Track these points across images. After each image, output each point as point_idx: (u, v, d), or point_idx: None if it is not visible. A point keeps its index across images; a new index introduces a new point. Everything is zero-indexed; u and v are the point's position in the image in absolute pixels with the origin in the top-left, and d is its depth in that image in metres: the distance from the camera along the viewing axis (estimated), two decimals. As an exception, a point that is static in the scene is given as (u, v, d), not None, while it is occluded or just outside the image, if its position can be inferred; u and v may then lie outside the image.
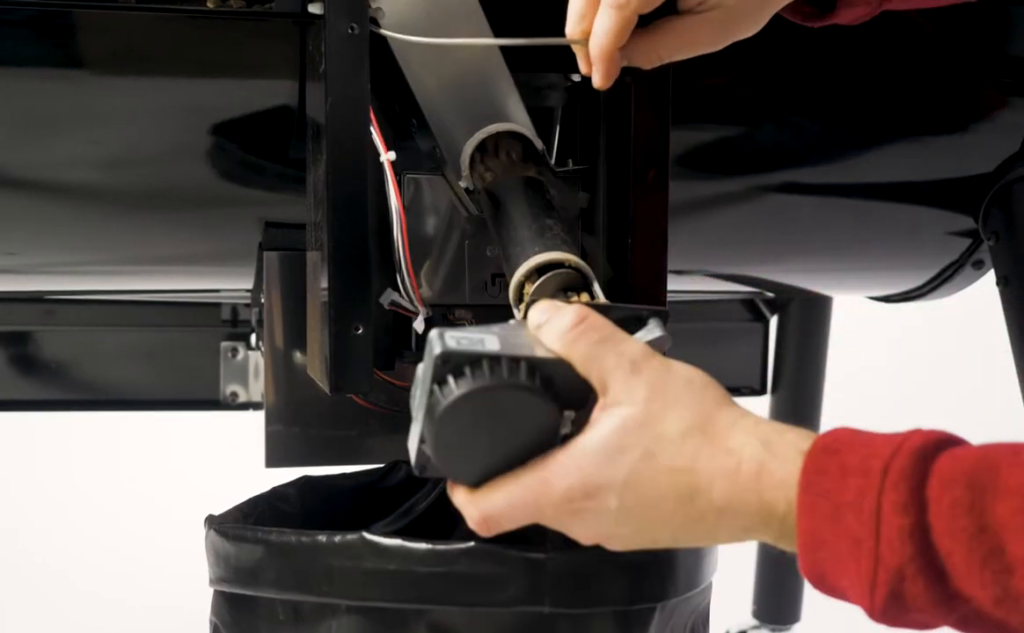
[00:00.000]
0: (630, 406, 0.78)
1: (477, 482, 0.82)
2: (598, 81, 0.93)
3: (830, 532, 0.73)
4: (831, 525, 0.73)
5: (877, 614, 0.73)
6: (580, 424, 0.80)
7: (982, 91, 1.31)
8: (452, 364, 0.79)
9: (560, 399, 0.80)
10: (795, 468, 0.75)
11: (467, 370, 0.79)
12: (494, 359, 0.79)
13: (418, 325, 1.04)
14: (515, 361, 0.79)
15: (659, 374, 0.80)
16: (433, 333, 0.80)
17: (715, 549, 1.03)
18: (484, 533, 0.82)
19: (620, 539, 0.80)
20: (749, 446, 0.76)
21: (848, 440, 0.74)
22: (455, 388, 0.79)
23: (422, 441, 0.81)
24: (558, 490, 0.79)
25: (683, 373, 0.80)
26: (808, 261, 1.47)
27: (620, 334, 0.82)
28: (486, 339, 0.80)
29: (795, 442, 0.76)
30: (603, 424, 0.79)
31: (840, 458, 0.74)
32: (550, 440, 0.80)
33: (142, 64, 1.09)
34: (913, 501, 0.70)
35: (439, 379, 0.79)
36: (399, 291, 1.04)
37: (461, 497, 0.82)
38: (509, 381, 0.79)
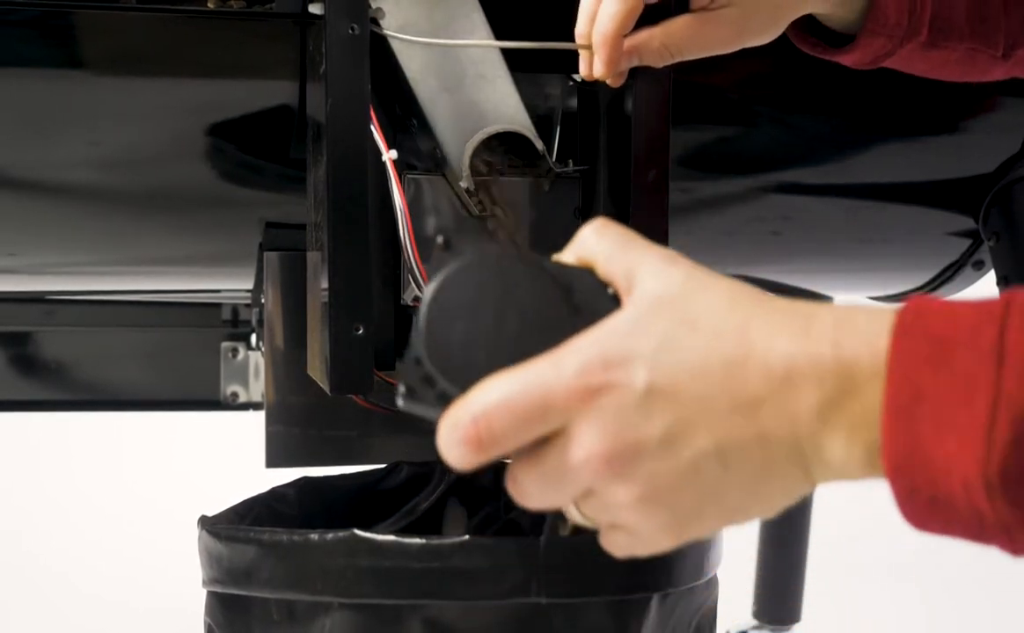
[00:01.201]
0: (665, 289, 0.63)
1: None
2: (600, 69, 0.92)
3: (932, 380, 0.56)
4: (934, 370, 0.56)
5: (995, 473, 0.55)
6: None
7: (982, 91, 1.31)
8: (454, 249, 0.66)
9: (580, 309, 0.65)
10: (883, 323, 0.58)
11: (469, 247, 0.66)
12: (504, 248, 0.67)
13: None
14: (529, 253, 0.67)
15: (695, 266, 0.65)
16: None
17: (718, 543, 1.02)
18: (473, 454, 0.64)
19: (648, 444, 0.61)
20: (817, 308, 0.60)
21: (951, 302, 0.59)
22: (457, 260, 0.65)
23: (412, 351, 0.66)
24: (570, 366, 0.61)
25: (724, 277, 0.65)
26: (808, 261, 1.46)
27: (645, 240, 0.67)
28: None
29: (880, 311, 0.60)
30: (631, 304, 0.63)
31: (944, 303, 0.58)
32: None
33: (142, 64, 1.09)
34: None
35: (437, 263, 0.66)
36: (407, 289, 1.04)
37: (450, 412, 0.65)
38: (520, 253, 0.66)
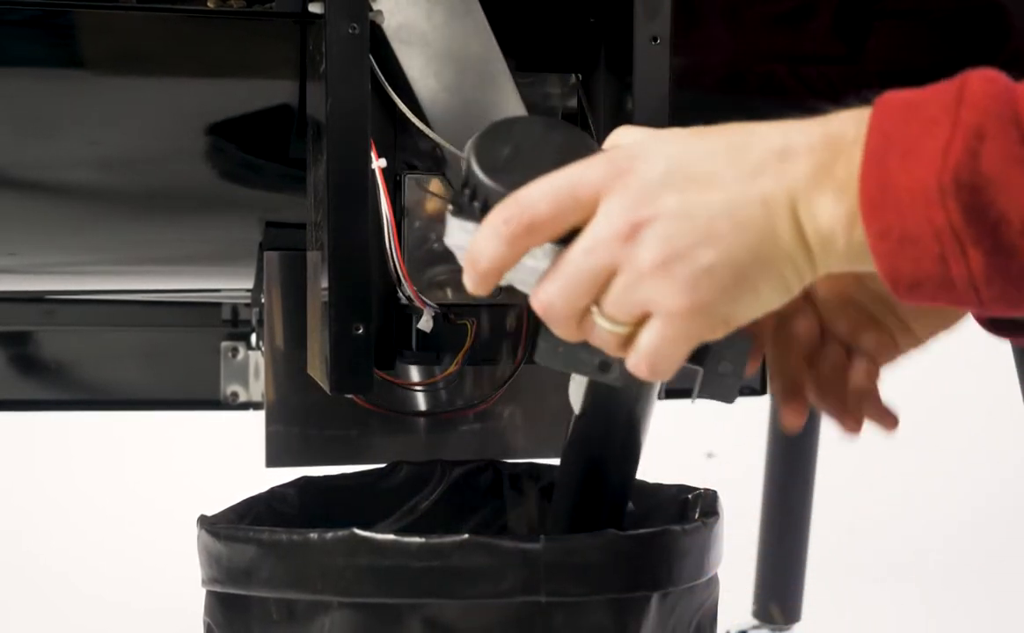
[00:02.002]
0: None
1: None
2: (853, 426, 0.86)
3: (902, 128, 0.65)
4: (905, 121, 0.66)
5: (948, 179, 0.64)
6: None
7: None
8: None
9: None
10: (865, 111, 0.68)
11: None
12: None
13: (424, 324, 1.04)
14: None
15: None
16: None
17: (718, 542, 1.02)
18: (515, 237, 0.72)
19: (667, 212, 0.70)
20: (806, 123, 0.70)
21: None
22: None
23: (463, 175, 0.76)
24: (600, 159, 0.72)
25: None
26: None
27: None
28: None
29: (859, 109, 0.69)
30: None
31: (922, 89, 0.68)
32: None
33: (142, 64, 1.09)
34: (999, 82, 0.65)
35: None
36: (399, 293, 1.05)
37: (497, 205, 0.74)
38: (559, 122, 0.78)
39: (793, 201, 0.68)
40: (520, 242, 0.72)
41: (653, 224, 0.70)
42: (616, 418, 0.94)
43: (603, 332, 0.73)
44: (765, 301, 0.71)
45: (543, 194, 0.72)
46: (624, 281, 0.71)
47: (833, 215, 0.67)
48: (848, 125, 0.67)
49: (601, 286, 0.72)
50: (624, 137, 0.77)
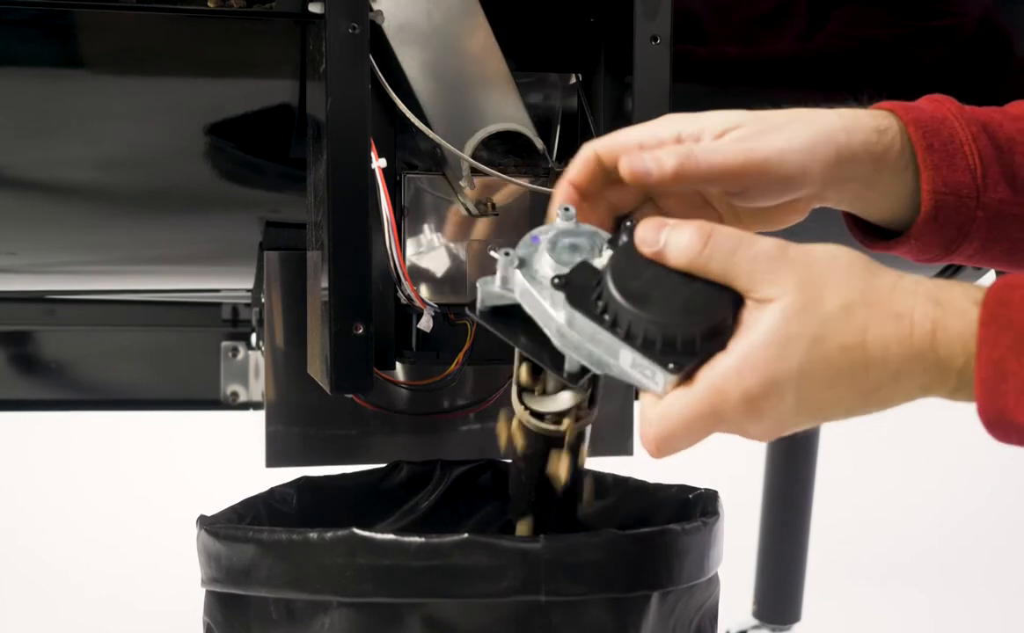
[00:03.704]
0: (784, 297, 0.77)
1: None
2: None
3: (1015, 362, 0.72)
4: (1016, 355, 0.72)
5: None
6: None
7: (982, 92, 1.31)
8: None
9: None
10: (972, 317, 0.74)
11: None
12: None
13: (424, 325, 1.04)
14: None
15: (803, 260, 0.78)
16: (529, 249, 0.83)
17: (718, 542, 1.03)
18: (658, 455, 0.80)
19: (796, 426, 0.79)
20: (919, 306, 0.75)
21: None
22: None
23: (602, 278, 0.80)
24: (736, 395, 0.77)
25: (826, 252, 0.79)
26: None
27: (747, 236, 0.80)
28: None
29: (966, 293, 0.75)
30: (764, 320, 0.77)
31: (1022, 291, 0.73)
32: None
33: (142, 64, 1.09)
34: None
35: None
36: (399, 293, 1.05)
37: (644, 413, 0.80)
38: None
39: (904, 398, 0.78)
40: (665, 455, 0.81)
41: (781, 432, 0.80)
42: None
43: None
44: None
45: (682, 434, 0.80)
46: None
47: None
48: (957, 349, 0.75)
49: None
50: (671, 248, 0.80)
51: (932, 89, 0.97)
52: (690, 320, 0.78)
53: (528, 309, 0.83)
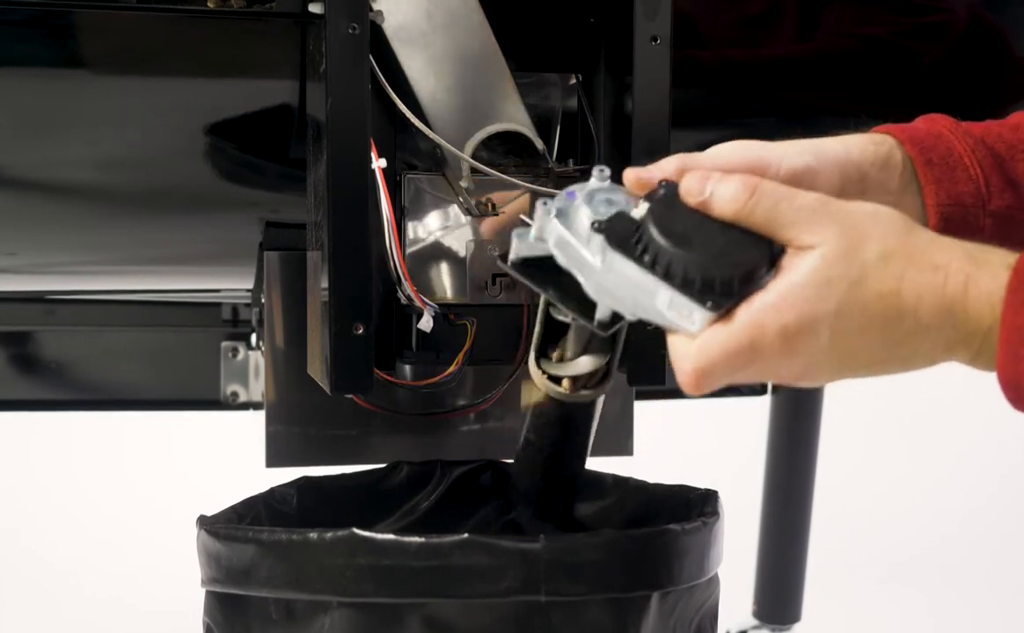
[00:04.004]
0: (825, 244, 0.79)
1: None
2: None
3: None
4: None
5: None
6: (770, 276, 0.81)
7: (982, 92, 1.31)
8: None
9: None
10: (1003, 281, 0.76)
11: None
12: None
13: (424, 324, 1.04)
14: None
15: (845, 212, 0.80)
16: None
17: (718, 542, 1.03)
18: (697, 390, 0.82)
19: (824, 373, 0.81)
20: (955, 259, 0.78)
21: None
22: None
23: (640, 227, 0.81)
24: (773, 329, 0.79)
25: (866, 207, 0.81)
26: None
27: (791, 189, 0.82)
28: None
29: (1003, 257, 0.77)
30: (805, 263, 0.79)
31: None
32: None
33: (142, 64, 1.09)
34: None
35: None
36: (399, 293, 1.05)
37: (678, 350, 0.82)
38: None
39: (932, 361, 0.81)
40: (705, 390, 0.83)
41: (810, 377, 0.82)
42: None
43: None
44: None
45: (721, 368, 0.81)
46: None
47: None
48: (984, 310, 0.77)
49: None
50: (716, 198, 0.82)
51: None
52: (730, 262, 0.80)
53: (562, 258, 0.84)
